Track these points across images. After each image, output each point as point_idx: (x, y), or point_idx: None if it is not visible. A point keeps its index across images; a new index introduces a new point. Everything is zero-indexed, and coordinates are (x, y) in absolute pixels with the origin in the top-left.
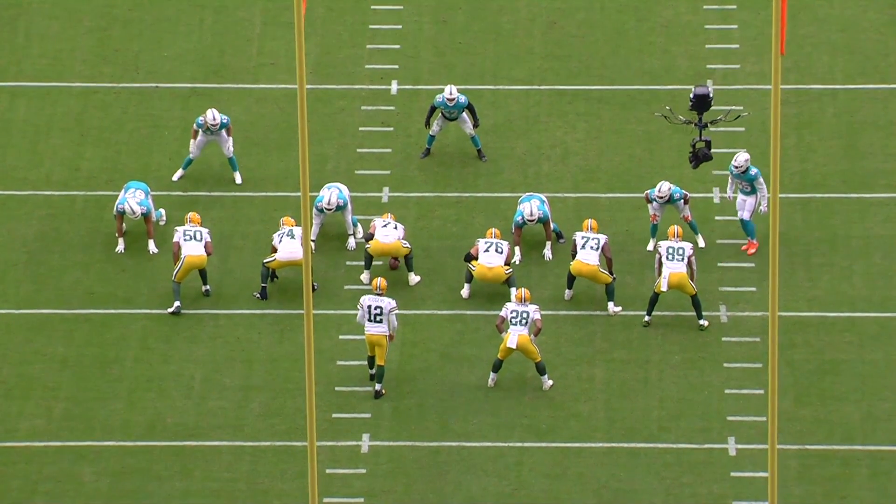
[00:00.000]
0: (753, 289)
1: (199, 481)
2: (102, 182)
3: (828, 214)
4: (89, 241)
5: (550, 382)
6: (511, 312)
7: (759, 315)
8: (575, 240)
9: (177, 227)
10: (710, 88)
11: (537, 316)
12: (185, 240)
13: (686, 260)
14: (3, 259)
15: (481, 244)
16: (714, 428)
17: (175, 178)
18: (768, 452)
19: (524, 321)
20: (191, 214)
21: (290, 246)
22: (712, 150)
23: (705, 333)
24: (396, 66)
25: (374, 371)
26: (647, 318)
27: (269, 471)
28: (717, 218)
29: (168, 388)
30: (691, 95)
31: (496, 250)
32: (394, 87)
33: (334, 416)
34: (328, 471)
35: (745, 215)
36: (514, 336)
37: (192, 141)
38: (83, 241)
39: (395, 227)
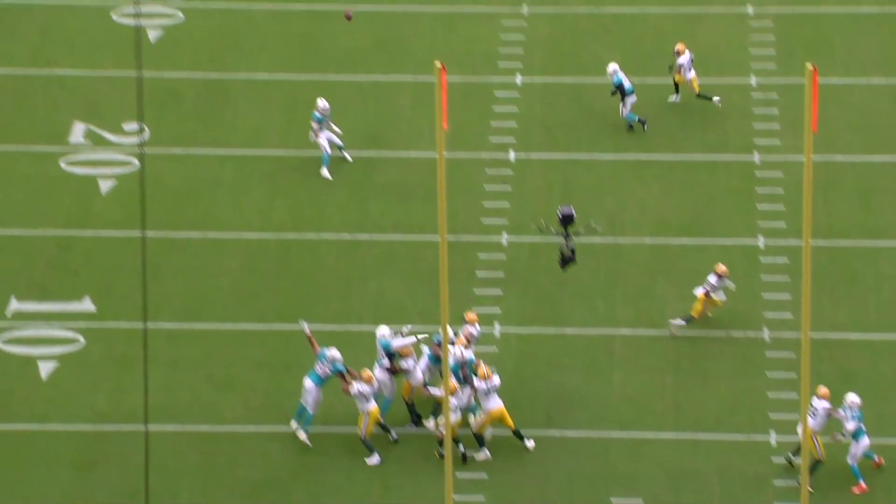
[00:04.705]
0: (789, 314)
1: None
2: (289, 227)
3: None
4: (279, 271)
5: (531, 443)
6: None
7: (794, 337)
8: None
9: (352, 380)
10: (572, 209)
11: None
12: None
13: None
14: (213, 285)
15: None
16: (758, 423)
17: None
18: (801, 441)
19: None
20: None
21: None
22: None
23: (747, 346)
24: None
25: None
26: None
27: None
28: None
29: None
30: (559, 215)
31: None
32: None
33: None
34: None
35: (851, 461)
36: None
37: (311, 134)
38: (274, 271)
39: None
